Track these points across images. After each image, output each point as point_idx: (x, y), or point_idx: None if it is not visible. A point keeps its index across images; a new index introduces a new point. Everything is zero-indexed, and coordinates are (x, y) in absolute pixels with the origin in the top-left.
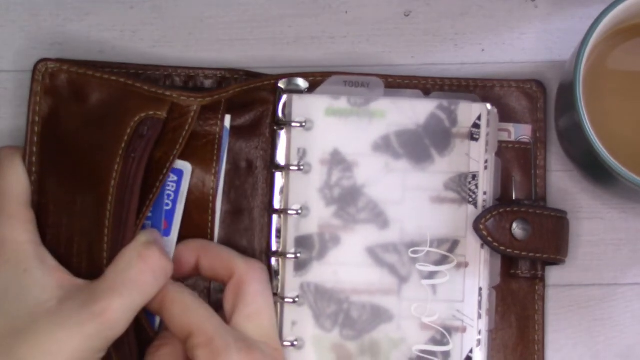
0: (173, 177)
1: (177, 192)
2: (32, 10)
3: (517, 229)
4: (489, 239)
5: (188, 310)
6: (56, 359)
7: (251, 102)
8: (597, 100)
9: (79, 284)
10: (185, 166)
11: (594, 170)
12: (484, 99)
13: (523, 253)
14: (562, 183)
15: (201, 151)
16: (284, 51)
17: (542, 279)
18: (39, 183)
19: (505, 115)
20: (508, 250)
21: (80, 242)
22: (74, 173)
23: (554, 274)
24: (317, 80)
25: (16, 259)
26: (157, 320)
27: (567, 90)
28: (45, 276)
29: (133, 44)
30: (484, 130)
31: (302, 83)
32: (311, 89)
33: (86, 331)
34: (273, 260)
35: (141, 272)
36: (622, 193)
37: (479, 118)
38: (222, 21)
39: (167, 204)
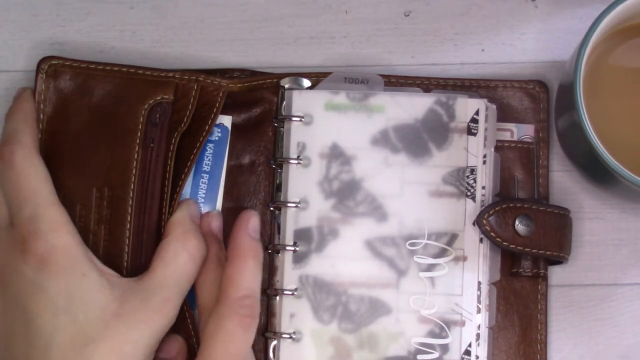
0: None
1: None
2: (32, 10)
3: (520, 225)
4: (492, 234)
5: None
6: (134, 359)
7: (254, 101)
8: (597, 100)
9: (125, 281)
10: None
11: (594, 170)
12: (486, 99)
13: (526, 249)
14: (563, 183)
15: (185, 151)
16: (284, 51)
17: (545, 278)
18: None
19: (508, 115)
20: (511, 246)
21: (97, 231)
22: (89, 166)
23: (554, 274)
24: (318, 80)
25: (72, 264)
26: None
27: (567, 90)
28: (101, 277)
29: (133, 44)
30: (482, 125)
31: (305, 83)
32: (312, 89)
33: (153, 326)
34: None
35: (186, 262)
36: (622, 193)
37: (476, 113)
38: (222, 21)
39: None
